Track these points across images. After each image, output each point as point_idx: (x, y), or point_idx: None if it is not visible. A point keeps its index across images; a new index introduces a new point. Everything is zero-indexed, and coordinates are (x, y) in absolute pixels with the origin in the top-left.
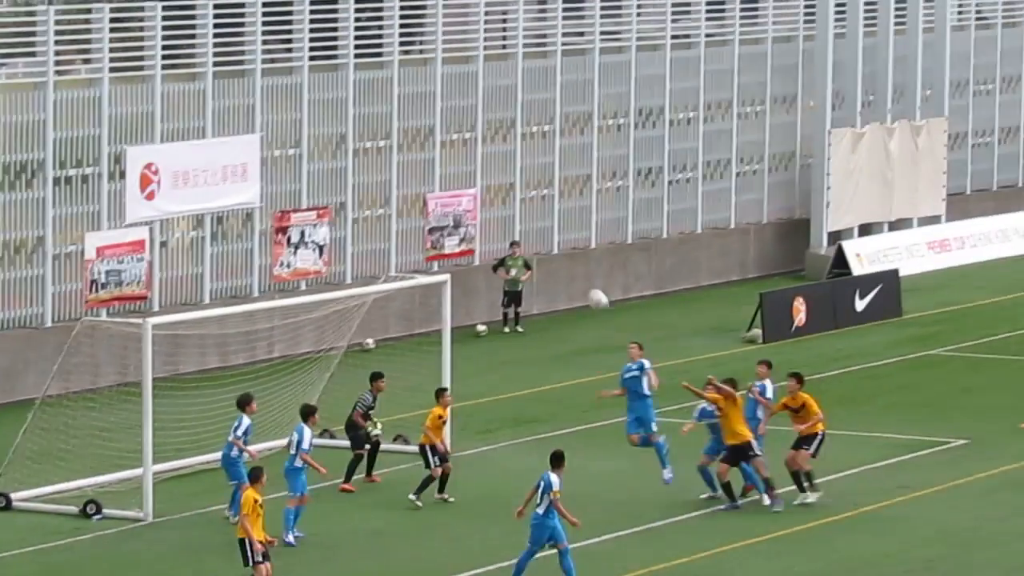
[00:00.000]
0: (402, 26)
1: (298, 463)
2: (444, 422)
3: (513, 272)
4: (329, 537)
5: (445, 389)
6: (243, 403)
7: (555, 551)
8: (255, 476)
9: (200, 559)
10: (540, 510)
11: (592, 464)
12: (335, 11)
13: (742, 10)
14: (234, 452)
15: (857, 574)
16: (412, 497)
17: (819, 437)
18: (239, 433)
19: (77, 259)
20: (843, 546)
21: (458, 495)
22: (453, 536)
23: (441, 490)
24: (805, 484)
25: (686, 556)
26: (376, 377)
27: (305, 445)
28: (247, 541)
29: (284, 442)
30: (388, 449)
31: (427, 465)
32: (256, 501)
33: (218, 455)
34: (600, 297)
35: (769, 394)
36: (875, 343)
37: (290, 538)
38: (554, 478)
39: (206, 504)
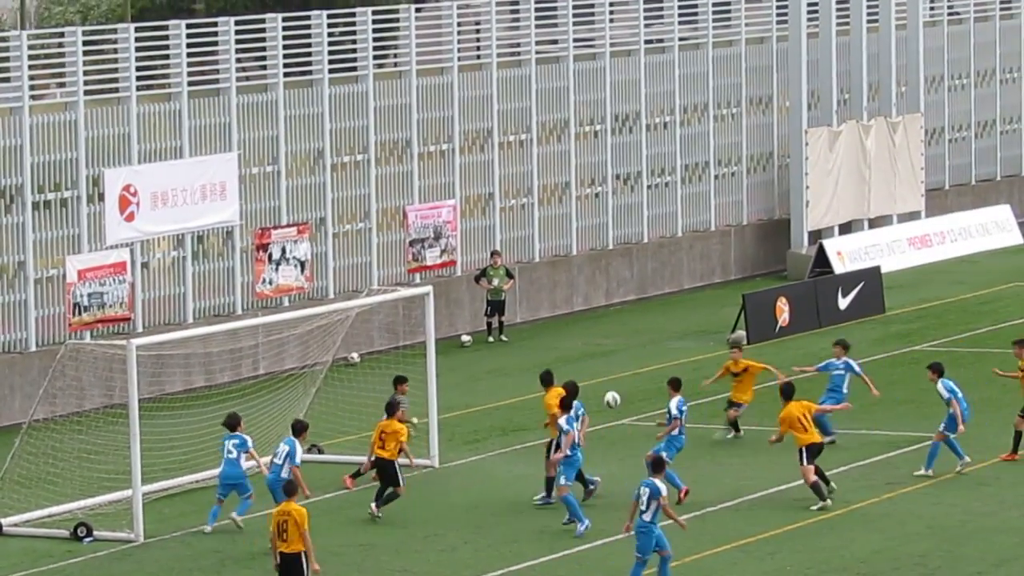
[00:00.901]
0: (375, 39)
1: (285, 474)
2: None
3: (495, 282)
4: (320, 551)
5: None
6: (232, 424)
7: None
8: (291, 490)
9: None
10: (647, 517)
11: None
12: (308, 27)
13: (714, 13)
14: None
15: (848, 572)
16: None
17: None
18: (297, 461)
19: (59, 283)
20: (833, 544)
21: (448, 505)
22: (444, 547)
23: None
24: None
25: (677, 559)
26: (400, 380)
27: (297, 459)
28: (305, 554)
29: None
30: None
31: (397, 482)
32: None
33: (208, 473)
34: (613, 398)
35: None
36: (859, 340)
37: None
38: (659, 484)
39: (196, 523)
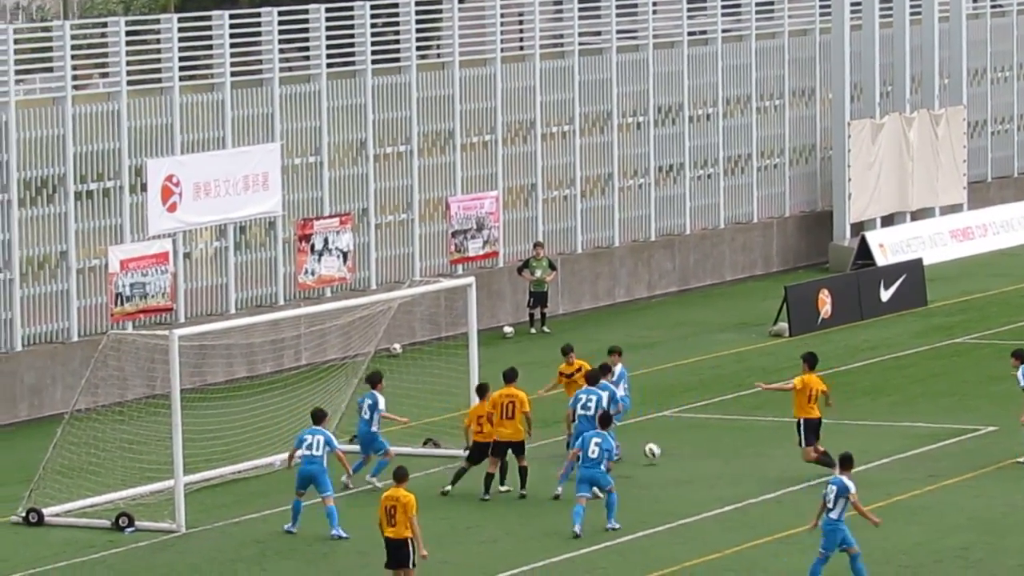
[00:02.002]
0: (418, 31)
1: (375, 427)
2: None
3: (537, 273)
4: (363, 542)
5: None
6: (373, 381)
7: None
8: (402, 476)
9: (234, 569)
10: (834, 515)
11: (623, 461)
12: (351, 18)
13: (757, 5)
14: (375, 427)
15: (890, 563)
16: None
17: None
18: (381, 408)
19: (101, 273)
20: (875, 536)
21: (490, 497)
22: (485, 538)
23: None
24: None
25: (718, 551)
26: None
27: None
28: (411, 541)
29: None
30: (418, 453)
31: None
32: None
33: (248, 463)
34: (651, 451)
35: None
36: (901, 333)
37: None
38: (847, 481)
39: (238, 514)
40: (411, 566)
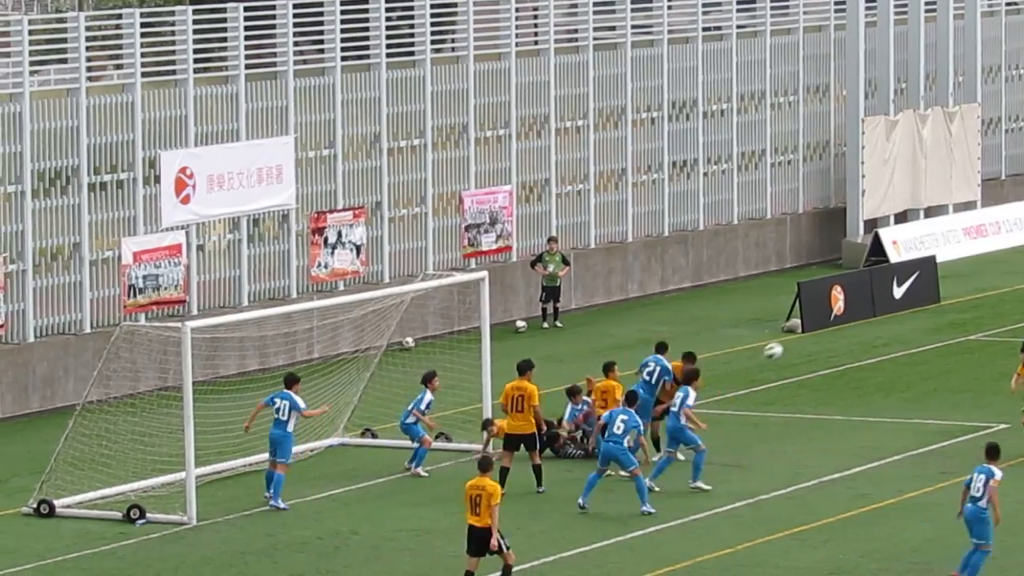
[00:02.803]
0: (433, 24)
1: (410, 419)
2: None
3: (550, 268)
4: (373, 536)
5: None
6: (427, 379)
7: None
8: (486, 465)
9: (245, 562)
10: (983, 503)
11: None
12: (366, 11)
13: (772, 1)
14: (410, 419)
15: (901, 560)
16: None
17: None
18: (421, 408)
19: (114, 264)
20: (886, 533)
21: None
22: None
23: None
24: None
25: (729, 547)
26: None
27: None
28: (491, 530)
29: (326, 443)
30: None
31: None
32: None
33: (259, 457)
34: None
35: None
36: (914, 330)
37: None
38: (995, 470)
39: (249, 507)
40: (492, 553)
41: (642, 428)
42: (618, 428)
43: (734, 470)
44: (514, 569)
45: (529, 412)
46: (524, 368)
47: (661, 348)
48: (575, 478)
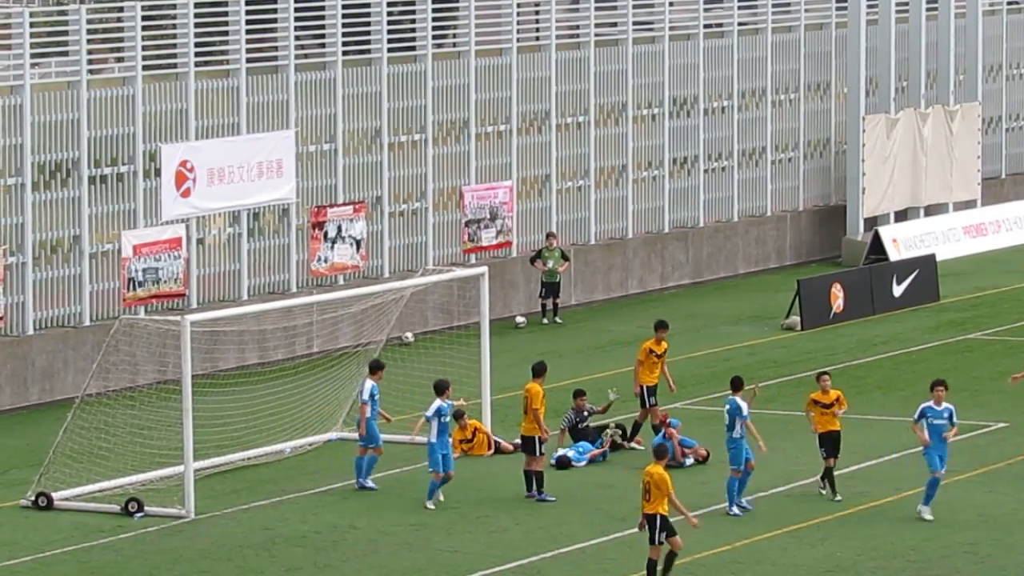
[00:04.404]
0: (435, 19)
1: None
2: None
3: (550, 264)
4: (371, 530)
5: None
6: (440, 389)
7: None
8: (662, 453)
9: (242, 555)
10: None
11: (633, 452)
12: (367, 5)
13: None
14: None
15: (898, 559)
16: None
17: None
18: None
19: (114, 257)
20: (884, 531)
21: (499, 487)
22: (495, 528)
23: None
24: None
25: (728, 544)
26: (578, 395)
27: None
28: (659, 517)
29: (324, 437)
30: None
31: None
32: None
33: (258, 450)
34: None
35: None
36: (913, 328)
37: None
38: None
39: (248, 501)
40: (662, 541)
41: (746, 414)
42: (725, 419)
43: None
44: (513, 564)
45: (530, 415)
46: (535, 371)
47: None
48: (565, 474)
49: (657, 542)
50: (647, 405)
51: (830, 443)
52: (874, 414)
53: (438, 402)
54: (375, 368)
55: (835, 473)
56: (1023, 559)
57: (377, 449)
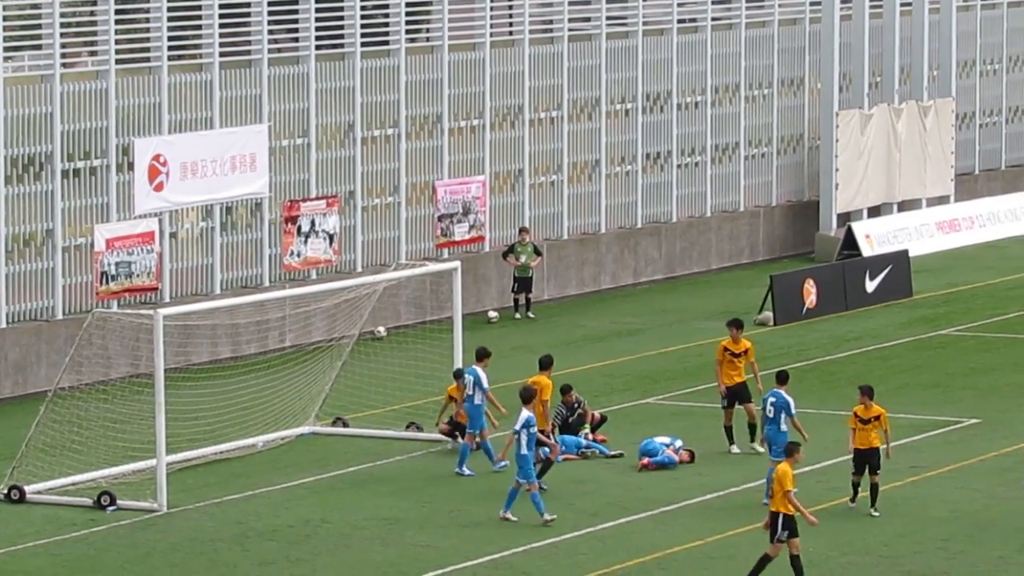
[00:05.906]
0: (408, 14)
1: (479, 400)
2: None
3: (523, 258)
4: (344, 524)
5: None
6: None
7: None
8: (792, 451)
9: (215, 549)
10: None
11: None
12: (341, 0)
13: None
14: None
15: (871, 555)
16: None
17: None
18: (485, 386)
19: (87, 251)
20: (856, 527)
21: (473, 481)
22: (469, 523)
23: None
24: None
25: (699, 539)
26: (566, 390)
27: (485, 384)
28: (782, 516)
29: (297, 431)
30: (402, 437)
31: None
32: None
33: (231, 444)
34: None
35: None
36: (886, 324)
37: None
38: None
39: (220, 494)
40: (783, 540)
41: (794, 411)
42: (769, 412)
43: (706, 461)
44: (486, 558)
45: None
46: (542, 364)
47: (782, 378)
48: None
49: (775, 540)
50: (727, 407)
51: (864, 460)
52: (846, 409)
53: (525, 412)
54: (481, 356)
55: (807, 468)
56: (995, 555)
57: (480, 434)
